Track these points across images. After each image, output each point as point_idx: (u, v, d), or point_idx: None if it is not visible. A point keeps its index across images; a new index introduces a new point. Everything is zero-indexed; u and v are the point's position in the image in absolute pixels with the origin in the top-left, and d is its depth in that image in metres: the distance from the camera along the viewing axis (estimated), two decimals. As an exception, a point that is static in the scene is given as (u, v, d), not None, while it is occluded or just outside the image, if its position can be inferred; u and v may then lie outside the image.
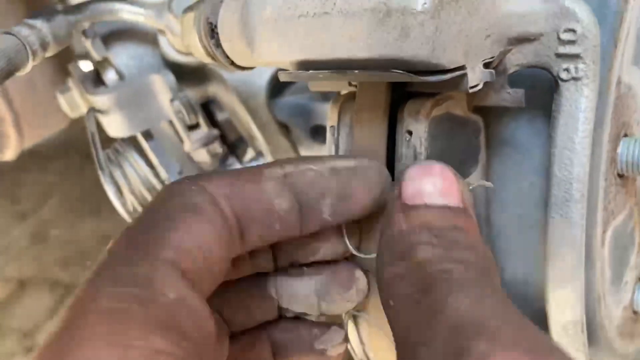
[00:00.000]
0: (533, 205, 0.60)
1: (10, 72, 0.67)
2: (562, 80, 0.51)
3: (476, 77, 0.48)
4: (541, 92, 0.56)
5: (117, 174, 0.74)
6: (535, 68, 0.53)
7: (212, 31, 0.57)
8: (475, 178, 0.58)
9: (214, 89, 0.84)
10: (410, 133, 0.50)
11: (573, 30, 0.50)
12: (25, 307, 2.29)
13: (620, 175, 0.65)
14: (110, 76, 0.82)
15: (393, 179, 0.52)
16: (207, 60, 0.61)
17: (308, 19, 0.49)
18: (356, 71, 0.47)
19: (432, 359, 0.31)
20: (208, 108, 0.94)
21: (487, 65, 0.49)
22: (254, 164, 0.84)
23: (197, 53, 0.61)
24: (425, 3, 0.43)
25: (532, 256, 0.61)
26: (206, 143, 0.79)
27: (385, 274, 0.38)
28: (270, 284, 0.47)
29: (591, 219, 0.59)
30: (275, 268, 0.47)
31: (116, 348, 0.31)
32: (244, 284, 0.46)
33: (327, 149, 0.57)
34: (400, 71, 0.45)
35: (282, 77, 0.53)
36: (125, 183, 0.74)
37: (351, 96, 0.55)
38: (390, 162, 0.52)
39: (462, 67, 0.46)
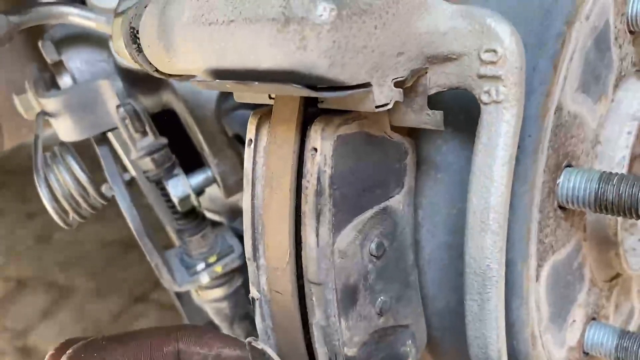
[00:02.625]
0: (462, 234, 0.57)
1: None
2: (484, 103, 0.49)
3: (384, 95, 0.45)
4: (475, 116, 0.53)
5: (52, 178, 0.72)
6: (458, 90, 0.50)
7: (135, 36, 0.56)
8: (398, 201, 0.55)
9: (167, 98, 0.82)
10: (315, 150, 0.48)
11: (494, 51, 0.47)
12: (20, 306, 2.29)
13: (562, 208, 0.61)
14: (65, 80, 0.81)
15: (300, 194, 0.50)
16: (136, 66, 0.60)
17: (217, 26, 0.47)
18: (256, 83, 0.45)
19: None
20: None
21: (399, 85, 0.47)
22: (201, 175, 0.82)
23: (126, 59, 0.60)
24: (322, 15, 0.41)
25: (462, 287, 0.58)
26: (152, 152, 0.77)
27: None
28: None
29: (522, 253, 0.56)
30: None
31: None
32: None
33: (245, 161, 0.55)
34: (299, 86, 0.43)
35: (196, 86, 0.52)
36: (58, 187, 0.72)
37: (270, 110, 0.53)
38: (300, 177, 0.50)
39: (366, 85, 0.44)
